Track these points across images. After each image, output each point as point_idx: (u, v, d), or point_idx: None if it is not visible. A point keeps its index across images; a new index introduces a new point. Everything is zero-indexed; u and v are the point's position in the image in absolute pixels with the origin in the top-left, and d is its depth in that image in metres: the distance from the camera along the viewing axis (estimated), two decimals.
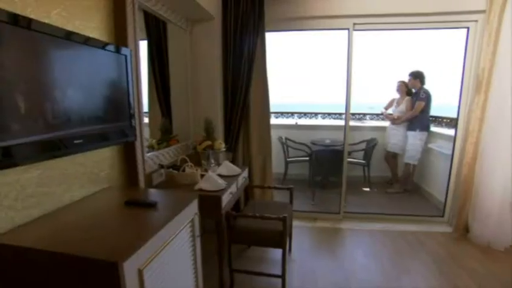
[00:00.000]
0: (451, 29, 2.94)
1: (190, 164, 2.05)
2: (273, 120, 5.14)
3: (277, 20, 2.83)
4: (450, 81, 3.06)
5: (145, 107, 2.48)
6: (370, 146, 4.10)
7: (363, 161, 4.16)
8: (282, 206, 2.38)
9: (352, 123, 5.03)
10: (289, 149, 4.28)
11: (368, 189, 4.21)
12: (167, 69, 2.59)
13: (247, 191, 2.65)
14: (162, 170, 2.06)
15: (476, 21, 2.72)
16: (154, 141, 2.36)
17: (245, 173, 2.46)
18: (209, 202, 1.79)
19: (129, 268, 0.89)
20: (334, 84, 2.97)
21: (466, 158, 2.79)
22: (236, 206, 2.68)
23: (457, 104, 2.96)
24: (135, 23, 1.58)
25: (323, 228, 3.07)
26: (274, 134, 4.35)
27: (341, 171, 3.17)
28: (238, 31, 2.61)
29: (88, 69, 1.24)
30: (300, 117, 5.21)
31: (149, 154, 2.02)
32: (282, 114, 5.20)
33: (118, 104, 1.47)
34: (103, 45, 1.31)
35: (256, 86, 2.74)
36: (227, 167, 2.24)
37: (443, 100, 4.15)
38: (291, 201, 2.48)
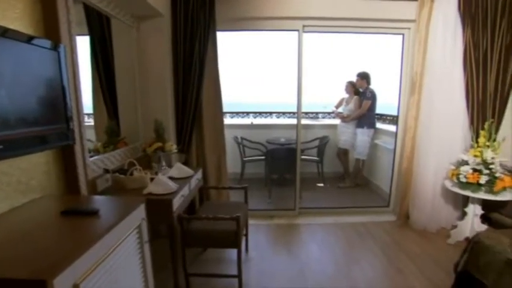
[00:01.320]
0: (390, 34, 3.19)
1: (138, 167, 1.95)
2: (229, 120, 5.14)
3: (229, 19, 2.82)
4: (392, 82, 3.32)
5: (90, 108, 2.33)
6: (323, 144, 4.28)
7: (317, 158, 4.34)
8: (237, 206, 2.38)
9: (306, 121, 5.23)
10: (246, 148, 4.31)
11: (322, 184, 4.40)
12: (113, 68, 2.43)
13: (202, 192, 2.60)
14: (108, 175, 1.92)
15: (409, 29, 2.99)
16: (99, 144, 2.20)
17: (199, 175, 2.41)
18: (159, 206, 1.72)
19: (61, 285, 0.81)
20: (288, 84, 3.05)
21: (405, 152, 3.06)
22: (191, 208, 2.62)
23: (397, 103, 3.23)
24: (69, 15, 1.44)
25: (279, 225, 3.13)
26: (229, 134, 4.34)
27: (295, 169, 3.27)
28: (189, 29, 2.55)
29: (8, 66, 1.10)
30: (255, 117, 5.26)
31: (93, 158, 1.88)
32: (237, 113, 5.21)
33: (52, 105, 1.34)
34: (27, 39, 1.18)
35: (209, 86, 2.70)
36: (179, 169, 2.17)
37: (387, 99, 4.47)
38: (246, 201, 2.49)
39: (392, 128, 4.04)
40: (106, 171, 1.92)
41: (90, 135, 2.16)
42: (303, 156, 3.96)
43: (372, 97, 4.03)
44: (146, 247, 1.38)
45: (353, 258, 2.56)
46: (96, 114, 2.43)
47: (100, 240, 1.01)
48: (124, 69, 2.44)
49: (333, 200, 3.85)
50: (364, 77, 4.13)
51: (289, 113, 5.10)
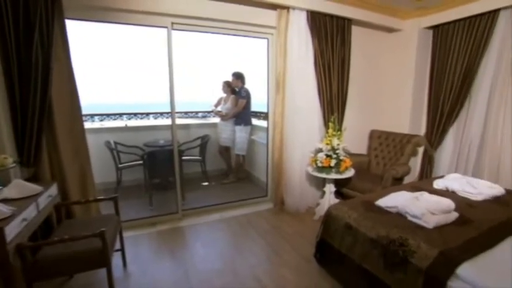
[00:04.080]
0: (256, 38, 3.46)
1: None
2: (98, 124, 4.53)
3: (84, 7, 2.44)
4: (263, 81, 3.61)
5: None
6: (204, 142, 4.30)
7: (199, 157, 4.33)
8: (106, 220, 2.09)
9: (189, 121, 5.15)
10: (121, 153, 3.88)
11: (206, 183, 4.43)
12: None
13: (60, 210, 2.16)
14: None
15: (272, 34, 3.33)
16: None
17: (52, 190, 2.00)
18: None
19: None
20: (165, 83, 2.88)
21: (275, 145, 3.41)
22: (48, 232, 2.15)
23: (267, 101, 3.56)
24: None
25: (162, 231, 2.97)
26: (100, 139, 3.84)
27: (178, 171, 3.16)
28: (22, 11, 2.03)
29: None
30: (129, 119, 4.79)
31: None
32: (108, 116, 4.61)
33: None
34: None
35: (60, 84, 2.26)
36: (19, 187, 1.74)
37: (260, 97, 4.86)
38: (117, 212, 2.22)
39: (265, 124, 4.42)
40: None
41: None
42: (185, 157, 3.89)
43: (247, 96, 4.31)
44: None
45: (237, 249, 2.68)
46: None
47: None
48: None
49: (218, 196, 3.92)
50: (239, 76, 4.37)
51: (167, 113, 4.88)
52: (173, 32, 2.86)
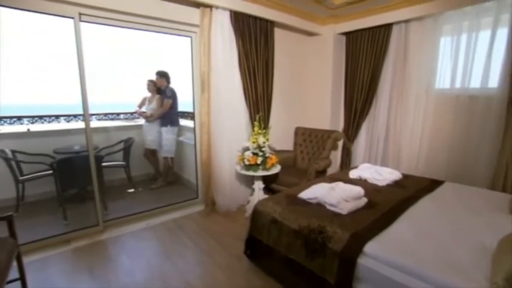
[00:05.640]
0: (178, 36, 3.34)
1: None
2: None
3: None
4: (189, 80, 3.50)
5: None
6: (128, 146, 3.98)
7: (123, 162, 3.99)
8: None
9: (110, 123, 4.70)
10: (23, 164, 3.32)
11: (132, 190, 4.12)
12: None
13: None
14: None
15: (195, 32, 3.25)
16: None
17: None
18: None
19: None
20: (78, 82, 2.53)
21: (203, 145, 3.35)
22: None
23: (192, 101, 3.47)
24: None
25: (80, 247, 2.65)
26: None
27: (97, 178, 2.85)
28: None
29: None
30: (33, 122, 4.12)
31: None
32: (0, 119, 3.86)
33: None
34: None
35: None
36: None
37: (187, 97, 4.70)
38: (12, 234, 1.87)
39: (193, 124, 4.30)
40: None
41: None
42: (105, 163, 3.53)
43: (173, 96, 4.13)
44: None
45: (166, 256, 2.55)
46: None
47: None
48: None
49: (146, 203, 3.66)
50: (163, 75, 4.17)
51: (81, 115, 4.36)
52: (82, 24, 2.56)
